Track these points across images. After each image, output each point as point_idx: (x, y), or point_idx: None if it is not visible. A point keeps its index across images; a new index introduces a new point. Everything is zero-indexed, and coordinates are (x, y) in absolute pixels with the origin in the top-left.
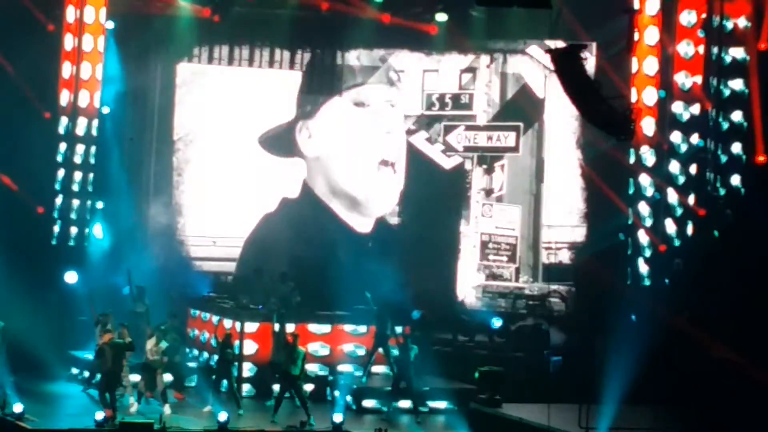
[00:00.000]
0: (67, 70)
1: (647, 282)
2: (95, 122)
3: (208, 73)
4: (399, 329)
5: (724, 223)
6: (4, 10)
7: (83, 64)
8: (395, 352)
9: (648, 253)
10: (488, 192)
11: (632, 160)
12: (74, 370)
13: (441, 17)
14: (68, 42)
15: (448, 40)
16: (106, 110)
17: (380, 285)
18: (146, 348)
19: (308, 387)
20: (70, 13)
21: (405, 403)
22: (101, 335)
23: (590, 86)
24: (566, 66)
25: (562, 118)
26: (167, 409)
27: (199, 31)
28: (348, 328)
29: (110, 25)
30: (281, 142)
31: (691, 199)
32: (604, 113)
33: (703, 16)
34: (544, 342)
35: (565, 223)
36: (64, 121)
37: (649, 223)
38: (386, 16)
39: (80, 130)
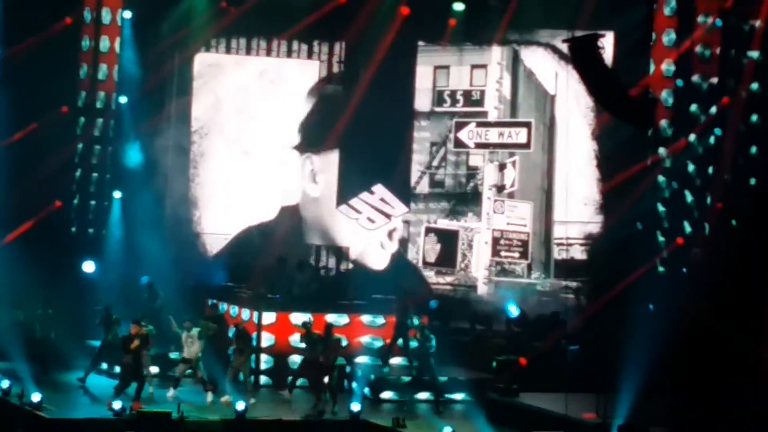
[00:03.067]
0: (85, 42)
1: (665, 272)
2: (113, 99)
3: (225, 63)
4: (416, 321)
5: (742, 212)
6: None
7: (102, 37)
8: (414, 343)
9: (665, 242)
10: (500, 188)
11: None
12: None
13: (458, 6)
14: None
15: (465, 30)
16: (123, 100)
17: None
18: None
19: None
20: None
21: (423, 394)
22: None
23: (608, 75)
24: (584, 55)
25: (575, 111)
26: (209, 397)
27: (217, 22)
28: (366, 319)
29: (127, 14)
30: None
31: (710, 169)
32: (622, 102)
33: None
34: (562, 331)
35: (577, 218)
36: (83, 95)
37: (667, 194)
38: (404, 8)
39: (99, 107)
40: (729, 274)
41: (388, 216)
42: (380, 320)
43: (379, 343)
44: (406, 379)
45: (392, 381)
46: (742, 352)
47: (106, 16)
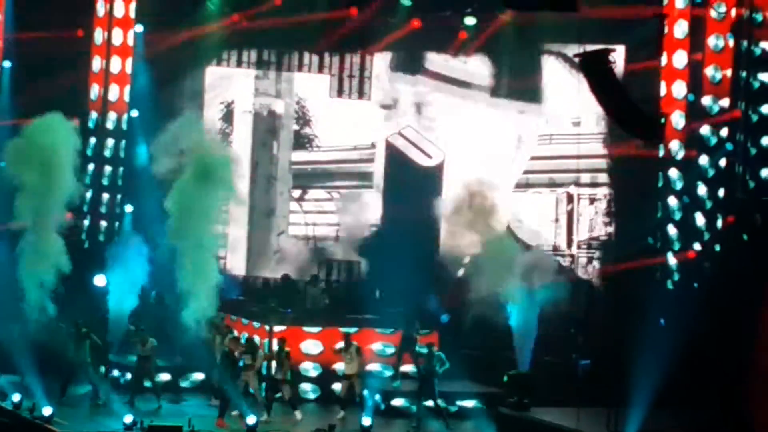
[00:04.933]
0: (96, 64)
1: (676, 286)
2: (125, 117)
3: (236, 76)
4: (423, 350)
5: (753, 227)
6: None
7: (113, 57)
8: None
9: (677, 256)
10: None
11: (661, 154)
12: (115, 372)
13: (470, 21)
14: (98, 36)
15: (476, 44)
16: (135, 113)
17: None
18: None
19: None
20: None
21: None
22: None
23: (619, 89)
24: (595, 69)
25: (589, 122)
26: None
27: (228, 35)
28: (376, 348)
29: (139, 28)
30: None
31: (721, 192)
32: (632, 116)
33: (733, 12)
34: (572, 345)
35: (590, 227)
36: (93, 116)
37: (678, 216)
38: (416, 21)
39: (110, 124)
40: (740, 288)
41: None
42: (390, 350)
43: (389, 372)
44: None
45: (403, 404)
46: (754, 365)
47: (117, 36)
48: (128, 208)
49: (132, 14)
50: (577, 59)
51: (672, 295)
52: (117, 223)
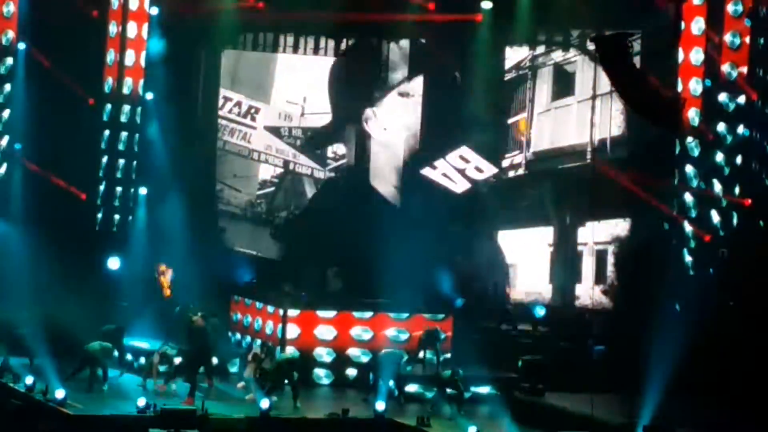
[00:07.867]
0: (111, 56)
1: (692, 272)
2: (139, 109)
3: (252, 59)
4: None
5: None
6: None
7: (127, 51)
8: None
9: (693, 243)
10: None
11: (677, 150)
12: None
13: (486, 5)
14: (112, 28)
15: (493, 29)
16: (149, 96)
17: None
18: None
19: (352, 372)
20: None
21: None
22: None
23: (636, 75)
24: (613, 55)
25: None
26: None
27: (244, 18)
28: (390, 333)
29: (154, 11)
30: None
31: (737, 189)
32: (650, 103)
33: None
34: (588, 331)
35: (606, 218)
36: (108, 107)
37: (694, 213)
38: (432, 4)
39: (124, 117)
40: (757, 274)
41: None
42: (404, 335)
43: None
44: (430, 394)
45: (417, 377)
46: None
47: (131, 29)
48: (142, 191)
49: (146, 6)
50: (593, 44)
51: (688, 281)
52: (130, 217)
